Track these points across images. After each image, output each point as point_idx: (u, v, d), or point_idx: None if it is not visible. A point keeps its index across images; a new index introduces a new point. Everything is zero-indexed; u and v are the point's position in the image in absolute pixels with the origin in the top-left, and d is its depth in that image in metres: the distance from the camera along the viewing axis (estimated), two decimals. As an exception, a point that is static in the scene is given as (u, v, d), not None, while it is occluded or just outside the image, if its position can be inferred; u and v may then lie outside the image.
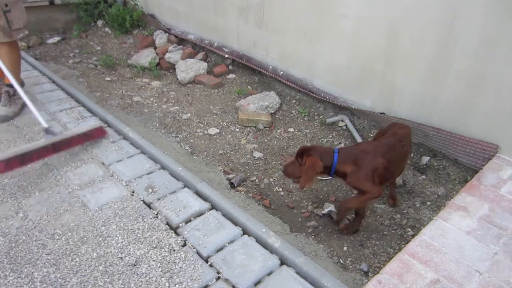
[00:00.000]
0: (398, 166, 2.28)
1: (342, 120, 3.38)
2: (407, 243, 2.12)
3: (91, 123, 2.88)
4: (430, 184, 2.63)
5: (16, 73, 3.15)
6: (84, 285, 1.71)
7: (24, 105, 3.22)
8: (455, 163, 2.72)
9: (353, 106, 3.27)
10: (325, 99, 3.51)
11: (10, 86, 3.09)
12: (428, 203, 2.47)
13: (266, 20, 3.93)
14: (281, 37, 3.84)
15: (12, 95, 3.12)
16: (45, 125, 2.61)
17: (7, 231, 2.00)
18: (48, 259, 1.85)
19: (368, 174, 2.11)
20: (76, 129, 2.74)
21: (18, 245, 1.92)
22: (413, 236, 2.20)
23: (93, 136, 2.80)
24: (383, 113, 3.03)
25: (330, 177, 2.62)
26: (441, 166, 2.74)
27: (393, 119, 2.87)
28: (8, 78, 2.94)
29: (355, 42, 3.17)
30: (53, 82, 3.86)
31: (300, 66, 3.77)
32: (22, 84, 3.46)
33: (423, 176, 2.71)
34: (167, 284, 1.71)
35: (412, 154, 2.91)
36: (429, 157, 2.79)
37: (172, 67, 4.75)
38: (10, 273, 1.76)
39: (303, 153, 2.16)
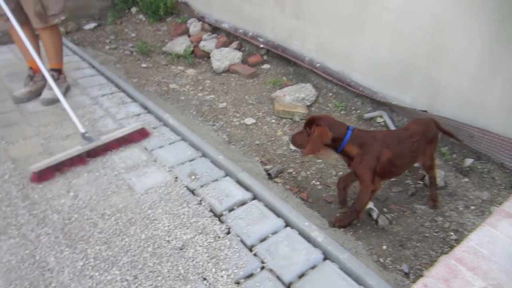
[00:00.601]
0: (404, 162, 2.24)
1: (381, 116, 3.35)
2: (451, 247, 2.11)
3: (133, 125, 2.70)
4: (474, 187, 2.60)
5: (59, 57, 3.21)
6: (134, 265, 1.77)
7: (68, 89, 3.28)
8: (501, 167, 2.67)
9: (393, 102, 3.24)
10: (363, 94, 3.49)
11: (55, 70, 3.15)
12: (472, 207, 2.44)
13: (304, 10, 3.90)
14: (319, 28, 3.81)
15: (57, 79, 3.15)
16: (82, 130, 2.51)
17: (60, 208, 2.08)
18: (99, 237, 1.92)
19: (372, 163, 2.08)
20: (115, 133, 2.59)
21: (71, 222, 2.00)
22: (456, 240, 2.18)
23: (134, 139, 2.68)
24: (425, 110, 2.99)
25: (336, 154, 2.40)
26: (485, 170, 2.70)
27: (436, 117, 2.83)
28: (51, 63, 3.05)
29: (397, 35, 3.12)
30: (93, 67, 3.94)
31: (338, 58, 3.74)
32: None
33: (466, 179, 2.67)
34: (213, 270, 1.75)
35: (454, 155, 2.87)
36: (473, 159, 2.75)
37: (206, 55, 4.77)
38: (65, 248, 1.84)
39: (312, 122, 2.09)
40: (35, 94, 3.16)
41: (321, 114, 2.18)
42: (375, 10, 3.21)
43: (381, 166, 2.10)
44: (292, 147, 3.11)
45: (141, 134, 2.69)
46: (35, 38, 3.13)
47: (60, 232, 1.93)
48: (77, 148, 2.41)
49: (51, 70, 3.16)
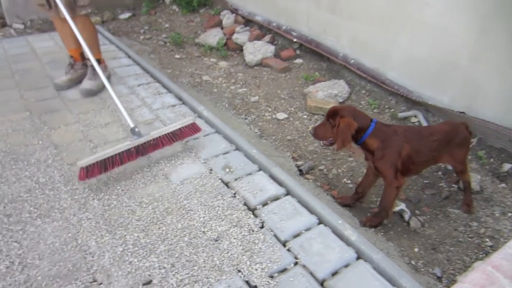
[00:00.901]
0: (422, 160, 2.20)
1: (415, 116, 3.31)
2: (486, 253, 2.09)
3: (183, 119, 2.52)
4: (511, 194, 2.55)
5: (95, 48, 3.19)
6: (171, 253, 1.83)
7: (109, 78, 3.29)
8: (541, 174, 2.62)
9: (429, 102, 3.19)
10: (397, 92, 3.45)
11: (95, 60, 3.11)
12: (509, 214, 2.40)
13: (340, 4, 3.86)
14: (355, 23, 3.78)
15: None
16: (131, 124, 2.40)
17: (101, 195, 2.16)
18: (137, 224, 1.98)
19: (394, 157, 2.06)
20: (165, 128, 2.44)
21: (110, 209, 2.07)
22: (492, 247, 2.16)
23: (185, 134, 2.53)
24: (463, 112, 2.93)
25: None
26: (524, 176, 2.65)
27: (474, 119, 2.78)
28: (86, 54, 2.96)
29: (438, 33, 3.06)
30: (129, 57, 4.02)
31: (373, 55, 3.71)
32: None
33: (503, 185, 2.62)
34: (248, 263, 1.79)
35: (491, 159, 2.82)
36: (511, 165, 2.69)
37: (239, 48, 4.79)
38: (106, 234, 1.92)
39: (335, 113, 2.04)
40: (75, 82, 3.24)
41: (344, 105, 2.10)
42: (415, 6, 3.15)
43: (401, 161, 2.08)
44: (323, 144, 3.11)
45: (192, 129, 2.55)
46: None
47: (101, 218, 2.01)
48: (126, 143, 2.28)
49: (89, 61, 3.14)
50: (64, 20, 2.91)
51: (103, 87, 3.17)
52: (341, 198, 2.44)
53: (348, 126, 2.00)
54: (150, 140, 2.36)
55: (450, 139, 2.23)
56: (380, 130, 2.08)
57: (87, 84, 3.15)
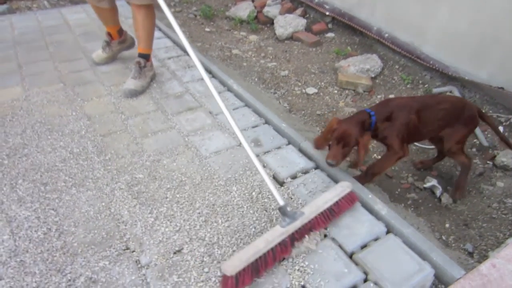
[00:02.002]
0: (428, 129, 2.16)
1: (451, 92, 3.21)
2: (520, 229, 2.04)
3: (338, 188, 1.88)
4: (548, 170, 2.46)
5: (149, 41, 2.91)
6: (202, 224, 1.85)
7: (154, 77, 3.06)
8: None
9: (466, 78, 3.07)
10: (433, 67, 3.34)
11: (143, 56, 2.89)
12: (546, 191, 2.32)
13: (375, -23, 3.74)
14: (391, -4, 3.66)
15: (143, 67, 2.88)
16: (281, 202, 1.70)
17: (132, 167, 2.21)
18: (167, 196, 2.01)
19: (401, 130, 2.03)
20: (320, 202, 1.77)
21: (141, 179, 2.11)
22: (526, 223, 2.10)
23: (342, 208, 1.85)
24: (502, 87, 2.82)
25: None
26: None
27: (512, 95, 2.68)
28: (139, 47, 2.86)
29: (480, 6, 2.92)
30: (160, 29, 4.02)
31: (409, 29, 3.58)
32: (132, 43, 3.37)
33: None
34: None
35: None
36: (551, 142, 2.59)
37: (269, 22, 4.73)
38: (137, 204, 1.96)
39: (346, 136, 1.96)
40: (112, 59, 3.22)
41: (346, 123, 2.02)
42: (455, -22, 3.02)
43: (408, 132, 2.06)
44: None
45: (349, 201, 1.89)
46: (114, 11, 3.02)
47: (130, 191, 2.06)
48: (278, 230, 1.63)
49: (139, 55, 2.89)
50: (99, 8, 2.90)
51: (147, 87, 2.95)
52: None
53: (368, 142, 2.00)
54: (307, 224, 1.71)
55: (457, 113, 2.15)
56: (381, 113, 2.06)
57: (131, 83, 2.84)
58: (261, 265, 1.56)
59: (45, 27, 3.94)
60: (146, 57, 2.92)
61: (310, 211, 1.72)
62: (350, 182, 2.05)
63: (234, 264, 1.50)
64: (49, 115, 2.58)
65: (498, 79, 2.91)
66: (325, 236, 1.80)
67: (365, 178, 2.19)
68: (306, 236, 1.71)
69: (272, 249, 1.58)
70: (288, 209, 1.68)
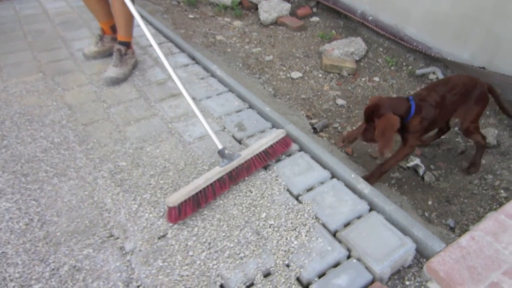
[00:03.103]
0: (444, 117, 2.19)
1: (434, 73, 3.22)
2: (500, 204, 2.06)
3: (273, 133, 2.10)
4: (529, 146, 2.50)
5: (129, 30, 2.87)
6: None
7: (135, 65, 3.03)
8: (560, 126, 2.54)
9: (448, 58, 3.09)
10: (416, 49, 3.35)
11: (123, 43, 2.85)
12: (526, 165, 2.36)
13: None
14: (374, -21, 3.65)
15: (124, 54, 2.85)
16: (219, 145, 1.94)
17: (114, 155, 2.19)
18: (150, 182, 2.01)
19: (423, 125, 2.03)
20: (256, 146, 2.01)
21: (124, 167, 2.10)
22: (506, 198, 2.13)
23: (278, 151, 2.10)
24: (483, 67, 2.84)
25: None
26: (543, 129, 2.58)
27: (494, 74, 2.69)
28: (119, 35, 2.81)
29: (461, -13, 2.94)
30: (142, 17, 3.95)
31: (393, 11, 3.58)
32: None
33: (522, 138, 2.57)
34: (263, 215, 1.81)
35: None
36: (530, 118, 2.62)
37: (254, 7, 4.69)
38: (121, 192, 1.95)
39: (372, 113, 1.97)
40: (103, 54, 3.11)
41: (377, 100, 2.01)
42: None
43: (427, 126, 2.08)
44: (338, 102, 3.08)
45: (283, 145, 2.13)
46: (103, 4, 2.93)
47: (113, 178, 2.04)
48: (217, 169, 1.86)
49: (119, 43, 2.85)
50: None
51: (129, 75, 2.91)
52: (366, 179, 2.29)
53: (390, 123, 1.92)
54: (243, 163, 1.96)
55: (469, 94, 2.15)
56: (419, 106, 2.02)
57: (112, 71, 2.80)
58: (201, 199, 1.81)
59: (23, 16, 3.86)
60: (126, 44, 2.87)
61: (247, 153, 1.97)
62: (335, 162, 2.06)
63: (176, 197, 1.73)
64: (29, 105, 2.55)
65: (479, 59, 2.93)
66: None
67: (374, 176, 2.19)
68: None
69: (211, 184, 1.83)
70: (226, 151, 1.93)
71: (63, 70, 2.95)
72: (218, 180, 1.86)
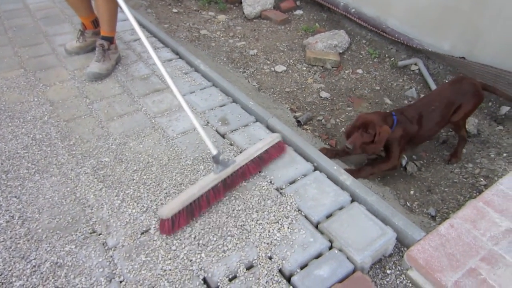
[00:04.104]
0: (429, 132, 2.31)
1: (415, 64, 3.25)
2: (480, 192, 2.10)
3: (268, 138, 2.05)
4: (508, 135, 2.53)
5: (112, 24, 2.83)
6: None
7: (119, 60, 3.01)
8: (538, 115, 2.59)
9: (429, 49, 3.12)
10: (398, 40, 3.37)
11: (106, 38, 2.81)
12: (504, 154, 2.40)
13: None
14: (356, -29, 3.66)
15: (107, 49, 2.82)
16: (214, 151, 1.81)
17: (97, 151, 2.18)
18: (134, 177, 2.00)
19: (403, 141, 2.18)
20: (251, 151, 1.95)
21: (107, 162, 2.09)
22: (486, 186, 2.17)
23: (272, 156, 2.06)
24: (463, 57, 2.88)
25: None
26: (522, 118, 2.63)
27: (474, 64, 2.73)
28: (102, 30, 2.76)
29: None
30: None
31: (375, 3, 3.60)
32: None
33: (500, 127, 2.61)
34: (246, 208, 1.82)
35: (490, 103, 2.78)
36: (509, 107, 2.66)
37: (238, 1, 4.67)
38: (103, 187, 1.94)
39: (368, 123, 2.13)
40: (85, 50, 3.08)
41: (369, 114, 2.22)
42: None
43: (409, 141, 2.25)
44: (322, 94, 3.09)
45: (278, 149, 2.09)
46: None
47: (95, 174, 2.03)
48: (211, 177, 1.78)
49: (102, 38, 2.82)
50: None
51: (112, 70, 2.89)
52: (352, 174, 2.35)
53: (387, 133, 2.11)
54: (238, 170, 1.90)
55: (453, 100, 2.27)
56: (399, 119, 2.20)
57: (95, 66, 2.77)
58: (195, 208, 1.73)
59: (3, 12, 3.80)
60: (109, 39, 2.84)
61: (242, 159, 1.90)
62: (318, 155, 2.08)
63: (169, 208, 1.66)
64: (10, 102, 2.51)
65: (459, 50, 2.97)
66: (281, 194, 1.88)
67: (360, 173, 2.25)
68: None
69: (205, 193, 1.75)
70: (221, 157, 1.82)
71: (45, 66, 2.91)
72: (212, 188, 1.77)
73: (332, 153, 2.34)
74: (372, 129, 2.12)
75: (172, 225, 1.67)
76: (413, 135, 2.22)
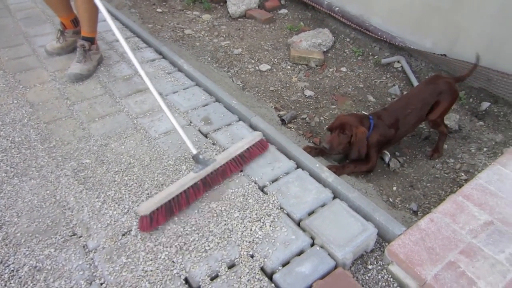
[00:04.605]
0: (405, 131, 2.36)
1: (398, 61, 3.28)
2: (460, 186, 2.12)
3: (249, 137, 2.05)
4: (488, 130, 2.56)
5: (93, 25, 2.80)
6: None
7: (100, 61, 2.96)
8: (517, 110, 2.62)
9: (412, 47, 3.14)
10: (381, 38, 3.39)
11: (87, 39, 2.78)
12: (485, 149, 2.42)
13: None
14: (339, -30, 3.67)
15: (88, 50, 2.79)
16: (194, 151, 1.86)
17: (78, 153, 2.15)
18: (115, 179, 1.98)
19: (380, 144, 2.23)
20: (232, 150, 1.96)
21: (88, 164, 2.07)
22: (466, 180, 2.19)
23: (254, 154, 2.06)
24: (444, 54, 2.90)
25: None
26: (501, 113, 2.65)
27: (455, 61, 2.75)
28: (83, 30, 2.74)
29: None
30: (108, 11, 3.88)
31: (358, 2, 3.62)
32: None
33: (481, 122, 2.64)
34: (228, 207, 1.81)
35: (471, 100, 2.81)
36: (489, 103, 2.69)
37: (222, 0, 4.66)
38: (84, 190, 1.92)
39: (344, 125, 2.18)
40: (66, 50, 3.04)
41: (346, 115, 2.27)
42: None
43: (386, 143, 2.30)
44: (306, 93, 3.09)
45: (260, 147, 2.09)
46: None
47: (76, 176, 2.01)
48: (191, 175, 1.80)
49: (83, 38, 2.78)
50: None
51: (94, 71, 2.85)
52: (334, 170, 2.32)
53: (365, 134, 2.15)
54: (218, 168, 1.90)
55: (428, 100, 2.31)
56: (376, 125, 2.24)
57: (76, 67, 2.73)
58: (174, 206, 1.74)
59: (-18, 13, 3.75)
60: (90, 40, 2.81)
61: (222, 157, 1.91)
62: (300, 152, 2.08)
63: (148, 205, 1.67)
64: (-12, 104, 2.48)
65: (440, 47, 2.99)
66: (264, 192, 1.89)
67: (344, 170, 2.27)
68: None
69: (184, 191, 1.77)
70: (201, 157, 1.85)
71: (25, 67, 2.88)
72: (192, 186, 1.79)
73: (315, 151, 2.35)
74: (349, 130, 2.17)
75: (150, 222, 1.67)
76: (390, 138, 2.28)
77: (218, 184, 1.93)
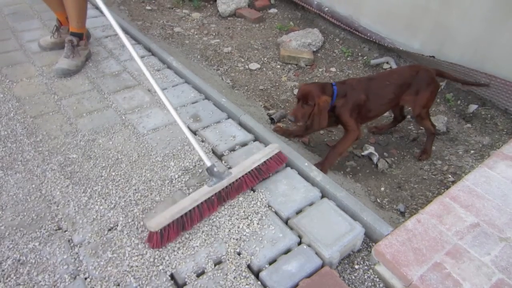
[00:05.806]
0: (380, 105, 2.29)
1: (387, 62, 3.30)
2: (447, 188, 2.13)
3: (266, 149, 1.93)
4: (475, 133, 2.59)
5: (81, 21, 2.79)
6: (136, 201, 1.82)
7: (88, 57, 2.95)
8: (504, 113, 2.65)
9: (400, 48, 3.17)
10: (371, 39, 3.41)
11: (75, 34, 2.77)
12: (472, 151, 2.45)
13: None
14: (330, -29, 3.69)
15: (76, 45, 2.77)
16: (208, 163, 1.76)
17: (65, 147, 2.12)
18: (103, 174, 1.96)
19: (354, 110, 2.17)
20: (249, 162, 1.84)
21: (75, 159, 2.04)
22: (453, 182, 2.21)
23: (271, 168, 1.93)
24: (433, 56, 2.93)
25: None
26: (488, 116, 2.68)
27: (443, 63, 2.78)
28: (71, 26, 2.72)
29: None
30: (96, 8, 3.85)
31: (347, 2, 3.64)
32: (88, 36, 3.15)
33: (468, 125, 2.67)
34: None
35: (458, 102, 2.84)
36: (477, 106, 2.73)
37: (212, -1, 4.66)
38: (70, 184, 1.89)
39: (307, 95, 2.13)
40: (60, 46, 2.98)
41: (309, 84, 2.18)
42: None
43: (358, 112, 2.21)
44: (296, 92, 3.10)
45: (278, 161, 1.96)
46: None
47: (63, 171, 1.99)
48: (205, 189, 1.70)
49: (71, 34, 2.77)
50: None
51: (82, 67, 2.83)
52: (320, 166, 2.28)
53: (326, 103, 2.10)
54: (234, 182, 1.80)
55: (409, 82, 2.26)
56: (341, 89, 2.17)
57: (64, 63, 2.71)
58: (186, 222, 1.64)
59: (-31, 7, 3.68)
60: (78, 36, 2.79)
61: (238, 171, 1.80)
62: (289, 151, 2.08)
63: (159, 221, 1.57)
64: (-27, 98, 2.43)
65: (429, 48, 3.02)
66: (253, 191, 1.86)
67: (332, 160, 2.24)
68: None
69: (198, 206, 1.67)
70: (215, 169, 1.74)
71: (11, 62, 2.83)
72: (206, 201, 1.69)
73: (286, 132, 2.43)
74: (311, 100, 2.11)
75: (161, 239, 1.58)
76: (361, 105, 2.18)
77: (233, 200, 1.82)
